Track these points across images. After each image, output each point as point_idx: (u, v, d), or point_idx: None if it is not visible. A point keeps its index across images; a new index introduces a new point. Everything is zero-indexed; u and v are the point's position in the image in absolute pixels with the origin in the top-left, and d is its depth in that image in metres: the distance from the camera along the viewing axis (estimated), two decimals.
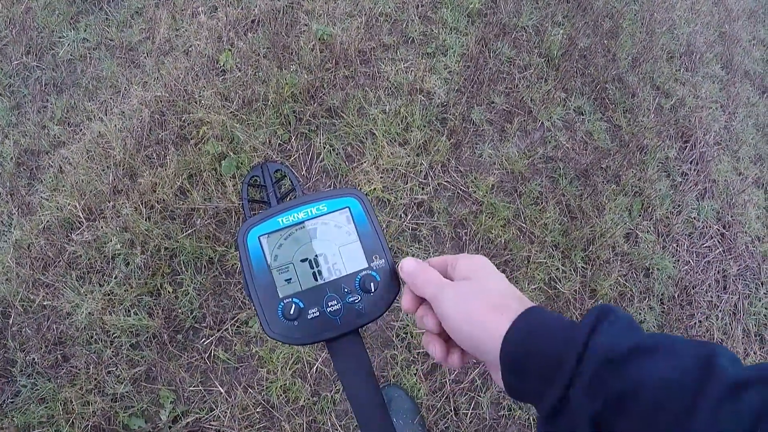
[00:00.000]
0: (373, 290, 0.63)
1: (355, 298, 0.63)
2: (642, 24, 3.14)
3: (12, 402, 1.86)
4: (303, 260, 0.64)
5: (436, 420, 1.89)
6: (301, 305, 0.62)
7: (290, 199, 1.72)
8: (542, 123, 2.51)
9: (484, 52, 2.62)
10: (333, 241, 0.65)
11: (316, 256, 0.64)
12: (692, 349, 0.41)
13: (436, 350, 0.60)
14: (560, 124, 2.55)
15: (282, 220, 0.65)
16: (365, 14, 2.60)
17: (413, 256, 1.61)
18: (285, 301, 0.62)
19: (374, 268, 0.64)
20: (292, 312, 0.61)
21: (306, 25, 2.54)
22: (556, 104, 2.57)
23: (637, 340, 0.43)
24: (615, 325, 0.45)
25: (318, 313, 0.62)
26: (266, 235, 0.64)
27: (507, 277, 0.59)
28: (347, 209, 0.66)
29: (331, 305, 0.62)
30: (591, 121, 2.60)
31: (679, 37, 3.21)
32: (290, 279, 0.63)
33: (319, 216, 0.65)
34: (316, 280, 0.63)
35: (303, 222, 0.65)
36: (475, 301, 0.53)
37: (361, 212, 0.66)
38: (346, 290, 0.63)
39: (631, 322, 0.46)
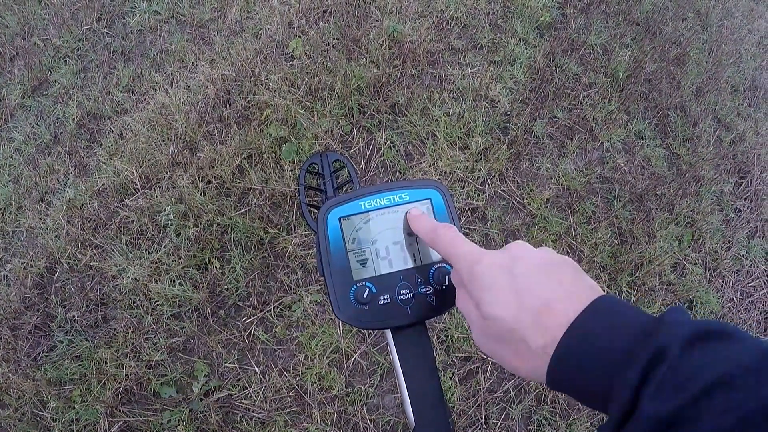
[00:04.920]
0: (446, 283, 0.62)
1: (427, 289, 0.62)
2: (709, 54, 3.09)
3: (47, 356, 1.90)
4: (380, 246, 0.64)
5: (465, 426, 1.88)
6: (374, 290, 0.62)
7: (347, 190, 1.73)
8: (602, 143, 2.48)
9: (551, 66, 2.61)
10: (411, 231, 0.64)
11: (394, 243, 0.64)
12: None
13: None
14: (620, 146, 2.52)
15: (364, 204, 0.64)
16: (436, 16, 2.61)
17: None
18: (358, 285, 0.62)
19: None
20: (364, 296, 0.61)
21: (377, 20, 2.55)
22: (617, 126, 2.54)
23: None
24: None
25: (389, 300, 0.62)
26: (347, 218, 0.64)
27: None
28: (429, 201, 0.66)
29: (403, 294, 0.62)
30: (650, 147, 2.57)
31: (744, 71, 3.16)
32: (365, 263, 0.63)
33: (401, 204, 0.65)
34: (391, 267, 0.63)
35: (384, 208, 0.65)
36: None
37: (442, 205, 0.66)
38: (419, 281, 0.63)
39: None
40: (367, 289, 0.62)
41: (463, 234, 0.57)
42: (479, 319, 0.48)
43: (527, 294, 0.44)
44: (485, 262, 0.48)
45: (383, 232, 0.64)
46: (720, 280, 2.41)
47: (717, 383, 0.34)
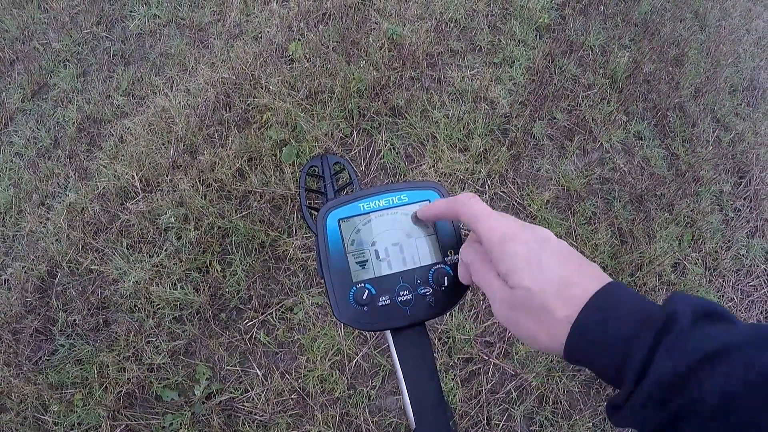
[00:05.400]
0: (445, 284, 0.62)
1: (427, 290, 0.62)
2: (707, 54, 3.09)
3: (48, 360, 1.90)
4: (379, 247, 0.64)
5: (467, 427, 1.88)
6: (373, 292, 0.62)
7: (347, 192, 1.73)
8: (602, 144, 2.49)
9: (549, 68, 2.61)
10: (410, 232, 0.64)
11: (393, 244, 0.64)
12: None
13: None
14: (619, 146, 2.53)
15: (363, 206, 0.64)
16: (435, 18, 2.61)
17: None
18: (357, 286, 0.62)
19: (448, 262, 0.64)
20: (363, 297, 0.61)
21: (376, 23, 2.56)
22: (616, 126, 2.55)
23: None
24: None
25: (388, 301, 0.62)
26: (345, 219, 0.64)
27: None
28: (427, 202, 0.65)
29: (403, 295, 0.62)
30: (650, 147, 2.57)
31: (743, 71, 3.16)
32: (365, 265, 0.63)
33: (400, 206, 0.65)
34: (390, 268, 0.63)
35: (383, 210, 0.65)
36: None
37: None
38: (418, 282, 0.63)
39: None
40: (367, 291, 0.62)
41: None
42: (504, 290, 0.51)
43: (553, 269, 0.49)
44: (519, 239, 0.51)
45: (382, 233, 0.64)
46: (720, 280, 2.42)
47: (724, 350, 0.37)
